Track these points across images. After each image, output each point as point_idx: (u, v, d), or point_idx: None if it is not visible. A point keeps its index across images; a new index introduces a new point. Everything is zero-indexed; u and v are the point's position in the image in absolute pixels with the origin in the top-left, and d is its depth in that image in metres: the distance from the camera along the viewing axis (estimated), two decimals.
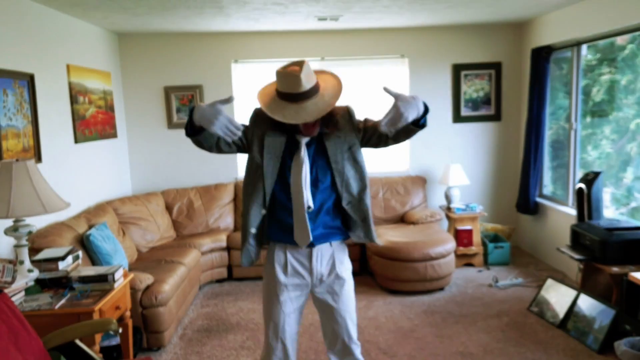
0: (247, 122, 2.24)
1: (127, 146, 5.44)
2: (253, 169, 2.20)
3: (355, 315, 2.38)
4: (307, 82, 2.02)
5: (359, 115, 2.29)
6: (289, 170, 2.16)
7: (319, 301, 2.35)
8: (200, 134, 2.03)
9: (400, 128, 2.02)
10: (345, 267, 2.32)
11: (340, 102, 2.16)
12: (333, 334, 2.35)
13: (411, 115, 1.97)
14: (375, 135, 2.24)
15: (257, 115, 2.20)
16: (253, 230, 2.21)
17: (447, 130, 5.63)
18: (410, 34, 5.45)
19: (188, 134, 2.05)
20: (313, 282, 2.28)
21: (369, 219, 2.26)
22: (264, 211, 2.19)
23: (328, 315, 2.34)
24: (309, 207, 2.16)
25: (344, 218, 2.28)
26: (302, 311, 2.40)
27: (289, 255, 2.24)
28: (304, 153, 2.16)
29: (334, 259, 2.27)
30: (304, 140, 2.17)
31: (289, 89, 2.03)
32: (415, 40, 5.48)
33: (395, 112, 1.95)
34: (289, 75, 2.01)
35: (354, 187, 2.24)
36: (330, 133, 2.18)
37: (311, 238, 2.18)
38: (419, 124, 2.08)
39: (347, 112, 2.24)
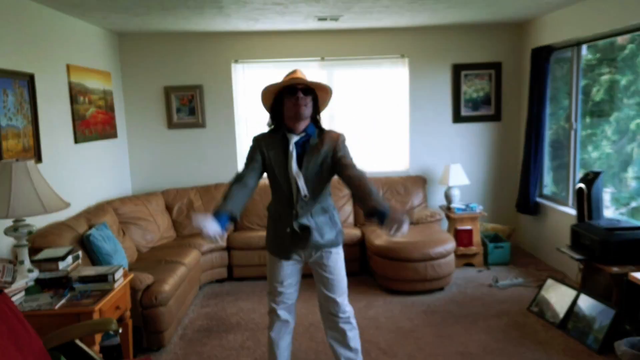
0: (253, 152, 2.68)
1: (127, 146, 5.44)
2: (271, 177, 2.65)
3: (346, 283, 2.76)
4: (302, 75, 2.59)
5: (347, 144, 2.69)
6: (286, 165, 2.58)
7: (314, 272, 2.74)
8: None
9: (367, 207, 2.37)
10: (333, 240, 2.68)
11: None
12: (325, 302, 2.74)
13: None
14: (339, 175, 2.59)
15: (257, 140, 2.66)
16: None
17: (447, 130, 5.63)
18: (410, 34, 5.45)
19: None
20: (305, 253, 2.69)
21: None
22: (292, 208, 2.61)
23: (320, 284, 2.73)
24: (305, 196, 2.56)
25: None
26: (299, 280, 2.80)
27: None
28: (292, 149, 2.55)
29: (322, 235, 2.63)
30: (294, 139, 2.57)
31: (290, 75, 2.57)
32: (415, 40, 5.48)
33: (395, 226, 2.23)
34: (291, 71, 2.61)
35: (318, 189, 2.61)
36: (315, 148, 2.57)
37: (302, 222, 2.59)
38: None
39: (340, 139, 2.62)
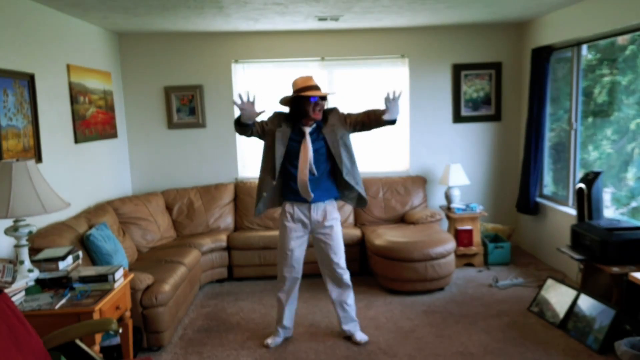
0: (265, 119, 3.39)
1: (127, 146, 5.44)
2: (266, 152, 3.34)
3: (343, 250, 3.51)
4: (315, 81, 3.31)
5: (344, 111, 3.47)
6: (298, 152, 3.27)
7: (318, 240, 3.46)
8: (243, 126, 3.23)
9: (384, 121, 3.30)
10: (334, 217, 3.45)
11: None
12: (328, 264, 3.47)
13: (397, 115, 3.33)
14: (358, 125, 3.39)
15: (275, 116, 3.38)
16: (265, 194, 3.34)
17: (447, 130, 5.63)
18: (410, 34, 5.45)
19: (236, 126, 3.27)
20: (312, 225, 3.41)
21: (360, 182, 3.42)
22: (274, 182, 3.31)
23: (324, 250, 3.45)
24: (313, 173, 3.28)
25: (336, 186, 3.44)
26: (306, 248, 3.51)
27: (295, 208, 3.39)
28: (308, 139, 3.29)
29: (325, 211, 3.41)
30: (308, 130, 3.30)
31: (305, 83, 3.27)
32: (415, 40, 5.48)
33: (392, 110, 3.26)
34: (305, 76, 3.32)
35: (347, 162, 3.34)
36: (327, 128, 3.33)
37: (312, 196, 3.30)
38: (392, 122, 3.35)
39: (337, 111, 3.42)
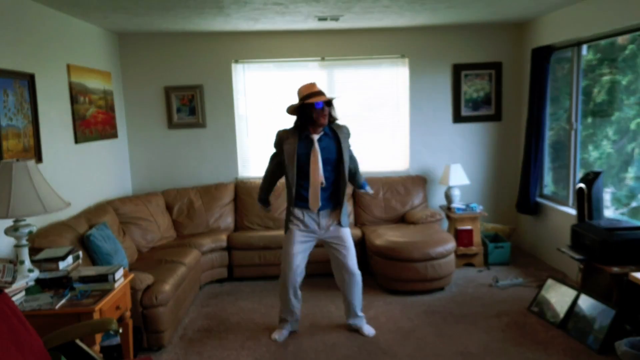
0: (275, 149, 3.59)
1: (127, 146, 5.44)
2: (286, 171, 3.46)
3: (354, 252, 3.61)
4: (318, 88, 3.39)
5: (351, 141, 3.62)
6: (307, 160, 3.36)
7: (329, 245, 3.57)
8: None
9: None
10: (344, 223, 3.54)
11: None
12: (341, 269, 3.58)
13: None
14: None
15: (278, 137, 3.48)
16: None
17: (447, 130, 5.63)
18: (410, 34, 5.45)
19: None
20: (321, 231, 3.51)
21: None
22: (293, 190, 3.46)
23: (339, 257, 3.56)
24: (322, 183, 3.39)
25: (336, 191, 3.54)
26: (309, 253, 3.59)
27: (305, 214, 3.49)
28: (317, 146, 3.37)
29: (335, 218, 3.52)
30: (316, 137, 3.39)
31: (309, 90, 3.35)
32: (415, 40, 5.48)
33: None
34: (309, 83, 3.40)
35: (350, 170, 3.60)
36: (342, 135, 3.49)
37: (320, 205, 3.42)
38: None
39: (348, 131, 3.56)
